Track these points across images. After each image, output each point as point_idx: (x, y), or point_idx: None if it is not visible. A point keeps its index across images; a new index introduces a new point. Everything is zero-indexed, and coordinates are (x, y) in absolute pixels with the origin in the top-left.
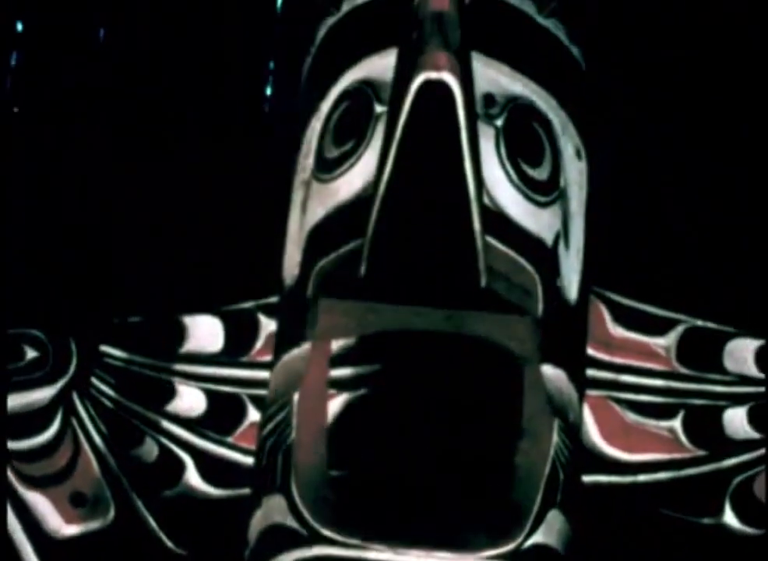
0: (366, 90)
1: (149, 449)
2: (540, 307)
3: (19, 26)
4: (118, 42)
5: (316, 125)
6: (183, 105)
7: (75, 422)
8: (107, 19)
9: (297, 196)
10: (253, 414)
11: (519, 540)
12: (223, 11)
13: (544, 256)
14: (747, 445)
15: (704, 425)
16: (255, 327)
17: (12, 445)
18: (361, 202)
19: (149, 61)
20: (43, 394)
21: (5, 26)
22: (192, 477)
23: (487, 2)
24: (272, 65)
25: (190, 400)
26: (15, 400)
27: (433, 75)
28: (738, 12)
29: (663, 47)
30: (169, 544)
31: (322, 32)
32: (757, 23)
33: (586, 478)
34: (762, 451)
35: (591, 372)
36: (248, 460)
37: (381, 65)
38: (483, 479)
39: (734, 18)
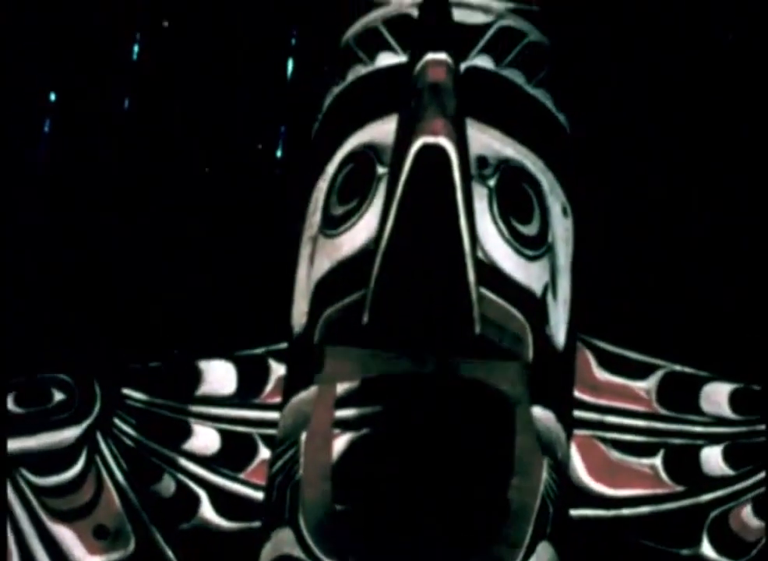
0: (369, 153)
1: (167, 485)
2: (531, 353)
3: (53, 96)
4: (142, 111)
5: (323, 185)
6: (200, 166)
7: (98, 460)
8: (131, 90)
9: (305, 251)
10: (264, 452)
11: None
12: (238, 80)
13: (534, 306)
14: (723, 481)
15: (683, 463)
16: (265, 371)
17: (40, 481)
18: (363, 256)
19: (169, 127)
20: (69, 434)
21: (40, 96)
22: (207, 511)
23: (480, 73)
24: (282, 129)
25: (205, 439)
26: (44, 440)
27: (430, 139)
28: (729, 86)
29: (649, 113)
30: None
31: (328, 100)
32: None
33: (574, 512)
34: (736, 487)
35: (578, 413)
36: (259, 495)
37: (383, 130)
38: (478, 513)
39: (723, 82)
